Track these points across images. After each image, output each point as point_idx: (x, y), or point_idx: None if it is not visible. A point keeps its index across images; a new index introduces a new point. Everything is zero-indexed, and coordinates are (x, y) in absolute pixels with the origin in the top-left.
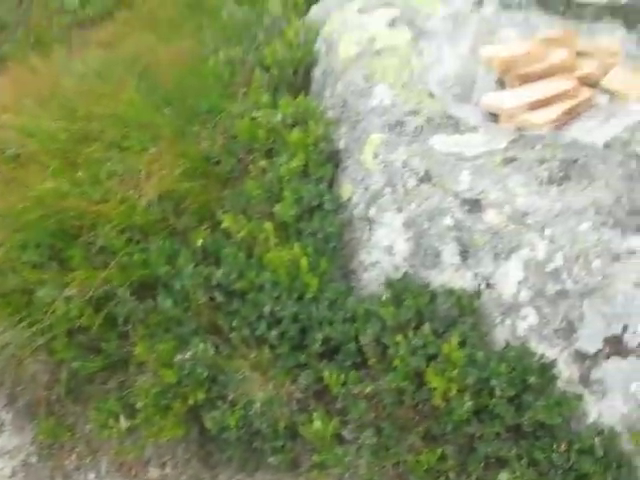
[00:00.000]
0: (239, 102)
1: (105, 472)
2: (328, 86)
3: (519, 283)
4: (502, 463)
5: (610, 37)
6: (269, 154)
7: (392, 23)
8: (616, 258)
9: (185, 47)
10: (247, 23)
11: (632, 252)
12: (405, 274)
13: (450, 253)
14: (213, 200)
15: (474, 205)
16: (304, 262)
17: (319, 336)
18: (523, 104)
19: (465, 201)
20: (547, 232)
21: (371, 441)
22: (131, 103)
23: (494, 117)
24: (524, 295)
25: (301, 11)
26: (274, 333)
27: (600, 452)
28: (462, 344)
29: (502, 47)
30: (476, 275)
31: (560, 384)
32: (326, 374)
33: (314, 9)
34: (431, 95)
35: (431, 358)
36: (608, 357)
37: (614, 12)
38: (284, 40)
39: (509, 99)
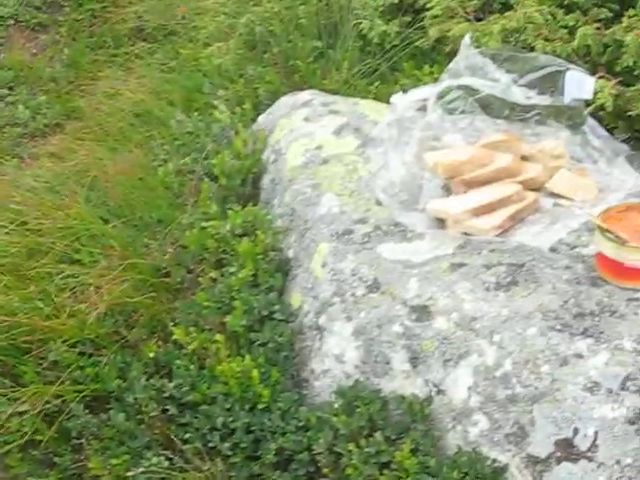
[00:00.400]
0: (188, 213)
1: None
2: (277, 195)
3: (469, 389)
4: None
5: (555, 140)
6: (219, 264)
7: (339, 131)
8: (564, 362)
9: (134, 158)
10: (196, 133)
11: (579, 356)
12: (356, 382)
13: (400, 360)
14: (164, 312)
15: (423, 312)
16: (255, 373)
17: (272, 446)
18: (468, 210)
19: (414, 308)
20: (495, 338)
21: None
22: (81, 216)
23: (441, 223)
24: (474, 400)
25: (249, 120)
26: (227, 444)
27: None
28: (415, 451)
29: (446, 152)
30: (427, 381)
31: None
32: None
33: (262, 118)
34: (378, 202)
35: (384, 466)
36: (559, 461)
37: (558, 114)
38: (232, 149)
39: (454, 205)
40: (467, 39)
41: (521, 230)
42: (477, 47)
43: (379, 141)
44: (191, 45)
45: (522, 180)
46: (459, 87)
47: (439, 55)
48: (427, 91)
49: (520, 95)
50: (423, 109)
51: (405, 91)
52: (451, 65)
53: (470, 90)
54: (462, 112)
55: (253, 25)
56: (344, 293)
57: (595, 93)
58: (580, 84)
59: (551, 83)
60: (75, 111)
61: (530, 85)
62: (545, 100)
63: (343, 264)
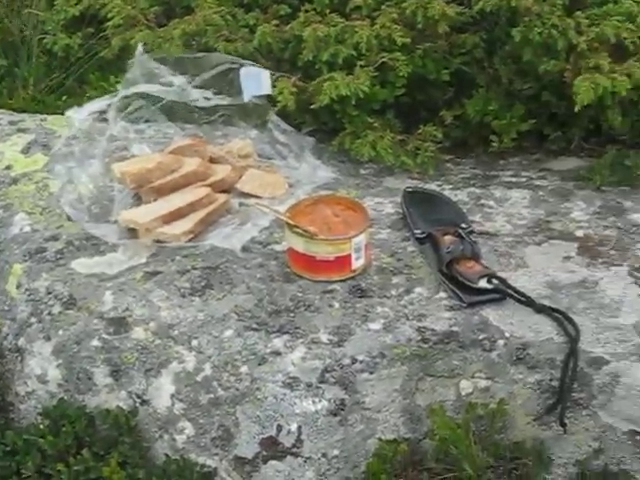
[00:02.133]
0: None
1: None
2: None
3: (172, 396)
4: None
5: (242, 139)
6: None
7: (27, 149)
8: (262, 361)
9: None
10: None
11: (277, 353)
12: (60, 400)
13: (102, 374)
14: None
15: (120, 324)
16: None
17: None
18: (158, 217)
19: (111, 321)
20: (194, 343)
21: None
22: None
23: (134, 233)
24: (178, 407)
25: None
26: None
27: None
28: (123, 464)
29: (133, 162)
30: (130, 393)
31: None
32: None
33: None
34: (70, 218)
35: None
36: (266, 460)
37: (244, 114)
38: None
39: (145, 214)
40: (140, 48)
41: (213, 233)
42: (158, 54)
43: (67, 156)
44: None
45: (211, 183)
46: (138, 95)
47: (125, 64)
48: (104, 103)
49: (197, 96)
50: (107, 120)
51: (80, 105)
52: (128, 75)
53: (152, 97)
54: (147, 121)
55: None
56: (41, 312)
57: (276, 95)
58: (257, 80)
59: (227, 82)
60: None
61: (206, 85)
62: (224, 100)
63: (37, 283)
